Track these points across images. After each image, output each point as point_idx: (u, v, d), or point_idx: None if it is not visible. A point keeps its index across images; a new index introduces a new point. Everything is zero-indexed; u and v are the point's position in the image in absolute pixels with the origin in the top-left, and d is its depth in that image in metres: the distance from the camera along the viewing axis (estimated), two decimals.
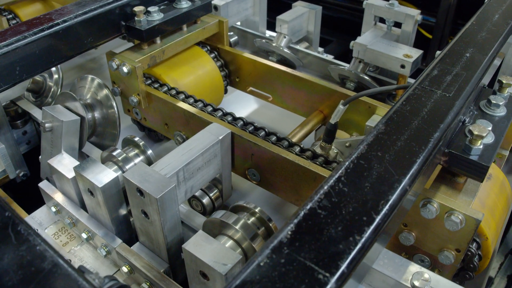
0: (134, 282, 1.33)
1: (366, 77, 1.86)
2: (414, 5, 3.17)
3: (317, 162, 1.28)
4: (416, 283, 0.94)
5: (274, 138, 1.36)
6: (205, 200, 1.46)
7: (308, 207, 0.80)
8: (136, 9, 1.58)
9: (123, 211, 1.35)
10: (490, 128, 1.12)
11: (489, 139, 1.12)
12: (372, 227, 0.78)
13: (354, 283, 0.81)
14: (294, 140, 1.56)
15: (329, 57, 2.20)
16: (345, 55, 3.17)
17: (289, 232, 0.76)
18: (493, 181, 1.29)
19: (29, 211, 1.69)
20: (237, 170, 1.48)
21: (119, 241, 1.33)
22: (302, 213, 0.79)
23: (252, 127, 1.42)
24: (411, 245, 1.21)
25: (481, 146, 1.07)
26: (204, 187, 1.48)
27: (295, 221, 0.78)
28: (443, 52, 1.29)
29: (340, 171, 0.88)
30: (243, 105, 2.08)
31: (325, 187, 0.84)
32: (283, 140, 1.36)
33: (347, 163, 0.89)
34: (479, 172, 1.08)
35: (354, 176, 0.86)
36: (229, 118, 1.46)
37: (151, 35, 1.60)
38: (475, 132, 1.05)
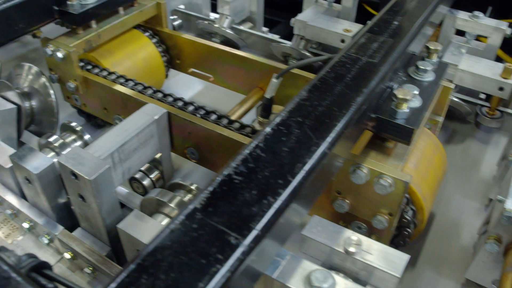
0: (78, 268, 1.31)
1: (308, 53, 1.87)
2: None
3: (248, 134, 1.28)
4: (348, 248, 0.95)
5: (214, 116, 1.36)
6: (146, 182, 1.45)
7: (225, 173, 0.80)
8: None
9: (63, 198, 1.33)
10: (416, 92, 1.13)
11: (416, 103, 1.13)
12: (288, 189, 0.78)
13: (274, 245, 0.81)
14: (234, 117, 1.55)
15: (275, 37, 2.19)
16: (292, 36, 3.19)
17: (204, 199, 0.76)
18: (426, 145, 1.31)
19: None
20: (176, 150, 1.47)
21: (60, 228, 1.31)
22: (219, 179, 0.79)
23: (192, 107, 1.41)
24: (347, 213, 1.22)
25: (407, 110, 1.09)
26: (144, 168, 1.47)
27: (210, 188, 0.78)
28: (372, 21, 1.30)
29: (260, 138, 0.88)
30: (186, 87, 2.06)
31: (243, 153, 0.84)
32: (221, 117, 1.36)
33: (267, 130, 0.89)
34: (406, 135, 1.09)
35: (273, 142, 0.86)
36: (170, 99, 1.45)
37: (84, 19, 1.57)
38: (400, 96, 1.06)
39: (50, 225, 1.33)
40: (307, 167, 0.82)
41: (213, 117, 1.35)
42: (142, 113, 1.35)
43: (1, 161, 1.35)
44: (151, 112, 1.35)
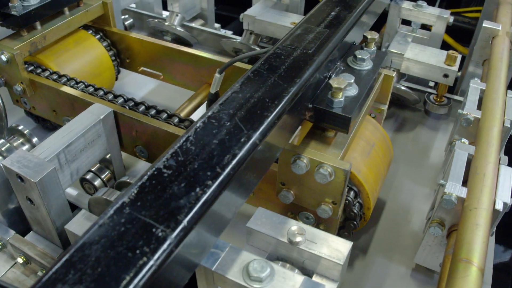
0: (32, 273, 1.31)
1: (258, 48, 1.88)
2: None
3: None
4: (292, 238, 0.96)
5: (153, 111, 1.36)
6: (97, 182, 1.45)
7: (154, 168, 0.81)
8: None
9: (13, 202, 1.33)
10: (351, 81, 1.15)
11: (353, 91, 1.15)
12: (217, 180, 0.79)
13: (206, 237, 0.82)
14: (183, 114, 1.56)
15: (228, 33, 2.20)
16: None
17: (133, 193, 0.76)
18: (369, 133, 1.33)
19: None
20: (126, 149, 1.47)
21: (11, 232, 1.30)
22: (148, 174, 0.80)
23: (132, 103, 1.42)
24: (294, 204, 1.24)
25: (342, 99, 1.10)
26: (94, 168, 1.47)
27: (139, 182, 0.78)
28: (310, 12, 1.32)
29: (191, 131, 0.89)
30: (138, 86, 2.06)
31: (173, 147, 0.85)
32: (162, 112, 1.36)
33: (198, 123, 0.90)
34: (343, 124, 1.11)
35: (203, 135, 0.87)
36: (110, 97, 1.45)
37: (28, 20, 1.56)
38: (334, 85, 1.08)
39: (1, 230, 1.31)
40: (236, 158, 0.84)
41: (163, 115, 1.36)
42: (88, 113, 1.35)
43: None
44: (97, 112, 1.35)
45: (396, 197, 1.58)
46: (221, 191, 0.79)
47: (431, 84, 1.96)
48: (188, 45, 2.07)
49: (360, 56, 1.24)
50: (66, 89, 1.49)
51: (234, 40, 1.95)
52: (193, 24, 2.17)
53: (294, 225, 0.98)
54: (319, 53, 1.13)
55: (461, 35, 2.81)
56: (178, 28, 2.02)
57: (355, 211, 1.24)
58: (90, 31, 1.81)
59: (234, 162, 0.83)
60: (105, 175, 1.47)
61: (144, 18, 2.31)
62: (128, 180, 1.27)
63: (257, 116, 0.93)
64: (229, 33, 2.23)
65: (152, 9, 2.32)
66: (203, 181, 0.79)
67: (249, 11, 1.91)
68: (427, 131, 1.84)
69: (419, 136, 1.83)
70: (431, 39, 1.88)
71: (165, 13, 2.38)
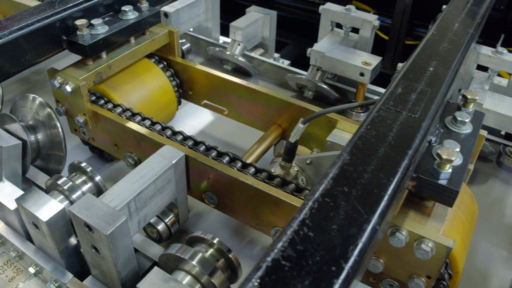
0: None
1: (324, 86, 1.80)
2: (370, 6, 3.13)
3: (274, 184, 1.21)
4: None
5: (227, 158, 1.29)
6: (161, 227, 1.37)
7: (270, 258, 0.72)
8: (78, 22, 1.46)
9: (72, 242, 1.26)
10: (458, 150, 1.06)
11: (458, 160, 1.06)
12: (341, 278, 0.71)
13: None
14: (253, 157, 1.48)
15: (285, 63, 2.12)
16: (302, 59, 3.11)
17: None
18: (460, 199, 1.24)
19: None
20: (193, 193, 1.39)
21: (69, 275, 1.24)
22: (265, 266, 0.71)
23: (204, 146, 1.34)
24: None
25: (450, 170, 1.02)
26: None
27: (257, 274, 0.70)
28: (405, 66, 1.24)
29: (304, 212, 0.80)
30: (197, 118, 1.98)
31: (289, 233, 0.76)
32: (236, 160, 1.28)
33: (310, 202, 0.82)
34: (448, 197, 1.02)
35: (320, 218, 0.79)
36: (179, 138, 1.37)
37: (95, 50, 1.49)
38: (444, 157, 0.99)
39: (58, 272, 1.25)
40: (360, 248, 0.75)
41: (238, 163, 1.28)
42: (159, 157, 1.27)
43: (5, 201, 1.27)
44: (168, 156, 1.28)
45: (472, 260, 1.48)
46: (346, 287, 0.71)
47: (502, 133, 1.86)
48: (248, 75, 1.99)
49: (460, 119, 1.15)
50: (133, 125, 1.42)
51: (300, 76, 1.87)
52: (254, 54, 2.09)
53: None
54: (425, 117, 1.04)
55: None
56: (240, 58, 1.94)
57: (445, 283, 1.15)
58: (153, 60, 1.73)
59: (357, 254, 0.74)
60: (169, 219, 1.39)
61: (201, 42, 2.23)
62: (202, 236, 1.18)
63: (374, 196, 0.84)
64: (286, 62, 2.15)
65: (210, 34, 2.24)
66: (328, 278, 0.70)
67: (317, 47, 1.82)
68: (501, 185, 1.74)
69: (492, 190, 1.73)
70: (508, 87, 1.78)
71: (222, 38, 2.30)
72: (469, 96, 1.19)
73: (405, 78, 1.17)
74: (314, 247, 0.74)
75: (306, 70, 1.97)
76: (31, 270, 1.28)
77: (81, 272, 1.31)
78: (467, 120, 1.15)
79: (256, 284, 0.69)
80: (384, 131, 0.99)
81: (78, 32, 1.47)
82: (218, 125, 1.95)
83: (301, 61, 2.40)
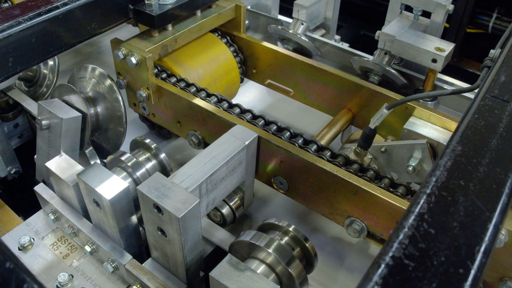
0: None
1: (393, 71, 1.71)
2: None
3: (352, 171, 1.14)
4: None
5: (301, 140, 1.21)
6: (225, 210, 1.31)
7: (390, 255, 0.65)
8: None
9: (133, 222, 1.20)
10: None
11: None
12: (469, 281, 0.64)
13: None
14: (323, 142, 1.40)
15: (345, 46, 2.03)
16: (356, 41, 3.02)
17: None
18: None
19: (23, 213, 1.53)
20: (261, 177, 1.33)
21: (128, 257, 1.18)
22: (386, 264, 0.64)
23: (276, 126, 1.27)
24: None
25: None
26: None
27: (379, 274, 0.63)
28: (504, 52, 1.14)
29: (420, 205, 0.73)
30: (257, 98, 1.91)
31: (406, 228, 0.69)
32: (311, 143, 1.21)
33: (425, 196, 0.74)
34: None
35: (439, 213, 0.71)
36: (248, 116, 1.30)
37: (163, 21, 1.42)
38: None
39: (116, 252, 1.20)
40: (485, 248, 0.68)
41: (313, 146, 1.21)
42: (231, 137, 1.21)
43: (64, 176, 1.21)
44: (241, 136, 1.21)
45: None
46: None
47: None
48: (309, 56, 1.91)
49: None
50: (200, 102, 1.35)
51: (367, 59, 1.78)
52: (316, 35, 2.00)
53: None
54: None
55: None
56: (303, 38, 1.85)
57: None
58: (216, 34, 1.66)
59: (482, 255, 0.67)
60: (234, 202, 1.32)
61: (260, 19, 2.15)
62: (276, 223, 1.11)
63: (493, 192, 0.76)
64: (346, 45, 2.05)
65: (269, 11, 2.16)
66: (457, 281, 0.63)
67: (387, 30, 1.73)
68: None
69: None
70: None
71: (280, 17, 2.21)
72: None
73: (507, 66, 1.08)
74: (437, 245, 0.67)
75: (367, 54, 1.89)
76: (87, 248, 1.23)
77: (139, 253, 1.26)
78: None
79: (379, 284, 0.62)
80: (493, 122, 0.91)
81: (146, 1, 1.40)
82: (279, 107, 1.87)
83: (356, 44, 2.31)
